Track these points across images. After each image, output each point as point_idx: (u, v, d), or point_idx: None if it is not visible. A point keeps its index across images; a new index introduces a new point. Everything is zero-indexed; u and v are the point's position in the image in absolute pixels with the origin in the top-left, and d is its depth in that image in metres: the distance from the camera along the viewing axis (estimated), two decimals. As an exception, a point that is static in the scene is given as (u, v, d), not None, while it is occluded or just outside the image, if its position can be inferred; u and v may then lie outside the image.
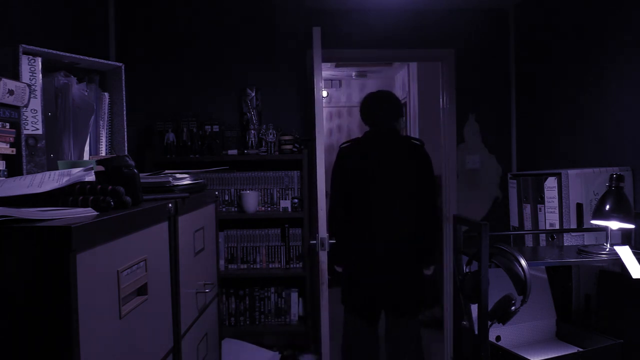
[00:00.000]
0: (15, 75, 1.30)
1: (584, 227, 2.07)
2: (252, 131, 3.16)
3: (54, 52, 1.42)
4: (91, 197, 1.03)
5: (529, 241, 2.37)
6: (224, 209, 3.22)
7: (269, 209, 3.25)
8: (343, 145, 3.01)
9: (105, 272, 0.97)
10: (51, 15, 2.44)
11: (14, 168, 1.25)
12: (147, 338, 1.17)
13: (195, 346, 1.56)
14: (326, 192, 2.73)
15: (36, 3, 2.31)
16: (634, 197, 2.14)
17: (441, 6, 3.32)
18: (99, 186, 1.08)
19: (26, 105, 1.28)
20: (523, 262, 1.54)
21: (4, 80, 1.18)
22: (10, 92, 1.20)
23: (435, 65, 3.59)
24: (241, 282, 3.24)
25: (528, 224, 2.35)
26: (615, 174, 1.77)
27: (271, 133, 3.14)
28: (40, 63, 1.36)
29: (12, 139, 1.24)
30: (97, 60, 1.58)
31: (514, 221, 2.48)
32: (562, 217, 2.13)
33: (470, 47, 3.39)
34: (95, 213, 0.99)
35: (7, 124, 1.22)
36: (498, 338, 1.92)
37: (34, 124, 1.33)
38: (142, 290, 1.13)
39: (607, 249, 1.76)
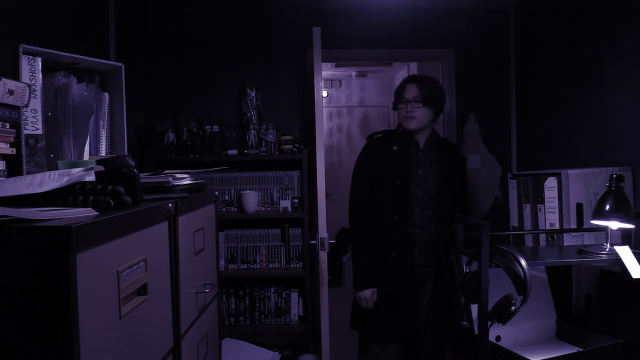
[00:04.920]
0: (15, 75, 1.30)
1: (584, 227, 2.07)
2: (252, 131, 3.16)
3: (54, 52, 1.42)
4: (91, 197, 1.03)
5: (529, 241, 2.37)
6: (224, 209, 3.22)
7: (269, 209, 3.25)
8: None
9: (105, 272, 0.97)
10: (51, 15, 2.44)
11: (14, 168, 1.25)
12: (147, 338, 1.17)
13: (195, 346, 1.56)
14: (327, 191, 2.73)
15: (36, 3, 2.31)
16: (634, 197, 2.14)
17: (441, 6, 3.32)
18: (99, 186, 1.07)
19: (26, 105, 1.28)
20: (523, 262, 1.54)
21: (4, 80, 1.18)
22: (10, 92, 1.20)
23: (435, 65, 3.59)
24: (241, 282, 3.24)
25: (528, 224, 2.35)
26: (615, 174, 1.77)
27: (271, 133, 3.14)
28: (40, 63, 1.36)
29: (12, 139, 1.24)
30: (97, 60, 1.58)
31: (514, 221, 2.48)
32: (562, 217, 2.13)
33: (470, 47, 3.39)
34: (95, 213, 0.99)
35: (7, 124, 1.22)
36: (498, 338, 1.92)
37: (34, 124, 1.33)
38: (142, 290, 1.13)
39: (607, 249, 1.76)
